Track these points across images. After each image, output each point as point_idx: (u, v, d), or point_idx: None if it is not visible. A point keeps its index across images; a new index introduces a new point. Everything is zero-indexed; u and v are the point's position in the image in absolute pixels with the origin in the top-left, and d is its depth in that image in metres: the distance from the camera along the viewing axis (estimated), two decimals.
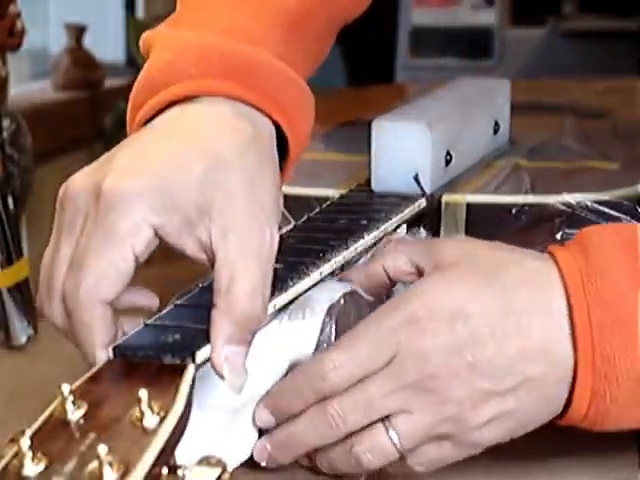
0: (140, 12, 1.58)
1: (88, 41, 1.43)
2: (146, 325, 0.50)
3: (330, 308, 0.56)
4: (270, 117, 0.58)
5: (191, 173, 0.53)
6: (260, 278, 0.51)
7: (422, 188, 0.70)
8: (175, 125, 0.58)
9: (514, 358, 0.55)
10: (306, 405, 0.54)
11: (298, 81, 0.61)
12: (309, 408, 0.54)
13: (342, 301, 0.57)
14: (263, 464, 0.56)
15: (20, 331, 0.94)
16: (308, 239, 0.61)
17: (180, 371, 0.45)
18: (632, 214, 0.72)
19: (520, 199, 0.71)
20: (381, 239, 0.65)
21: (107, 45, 1.56)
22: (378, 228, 0.64)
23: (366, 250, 0.63)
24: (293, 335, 0.54)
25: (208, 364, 0.48)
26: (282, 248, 0.53)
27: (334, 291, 0.57)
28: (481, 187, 0.74)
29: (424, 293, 0.55)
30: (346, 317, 0.57)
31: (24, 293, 0.94)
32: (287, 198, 0.74)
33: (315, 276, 0.57)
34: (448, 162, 0.74)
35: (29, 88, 1.42)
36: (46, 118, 1.25)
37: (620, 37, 2.42)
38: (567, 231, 0.71)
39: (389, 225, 0.66)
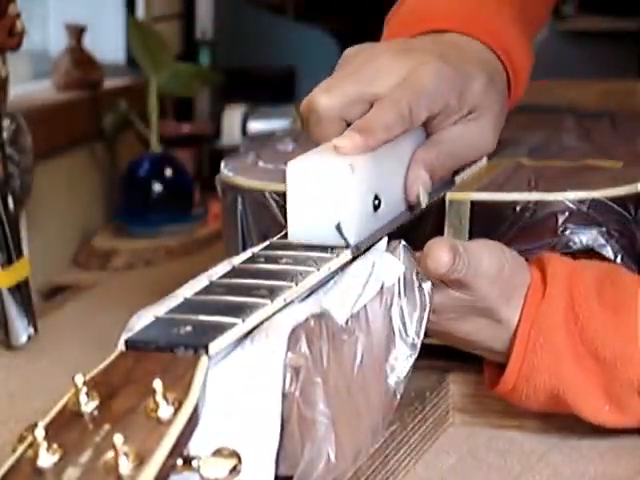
0: (140, 12, 1.57)
1: (88, 41, 1.43)
2: (157, 318, 0.50)
3: (296, 328, 0.51)
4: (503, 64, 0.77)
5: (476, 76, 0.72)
6: None
7: (346, 239, 0.60)
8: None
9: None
10: None
11: (525, 47, 0.79)
12: None
13: (311, 322, 0.52)
14: None
15: (20, 331, 0.94)
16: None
17: (193, 363, 0.45)
18: (634, 212, 0.72)
19: (524, 197, 0.71)
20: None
21: (107, 45, 1.56)
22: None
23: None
24: (257, 357, 0.51)
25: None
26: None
27: (299, 312, 0.53)
28: (485, 185, 0.74)
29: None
30: (316, 338, 0.53)
31: (24, 293, 0.94)
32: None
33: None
34: (377, 207, 0.64)
35: (29, 88, 1.42)
36: (46, 118, 1.25)
37: (620, 37, 2.42)
38: (570, 228, 0.71)
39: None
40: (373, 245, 0.62)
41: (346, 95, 0.67)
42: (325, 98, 0.67)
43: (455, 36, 0.76)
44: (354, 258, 0.60)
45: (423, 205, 0.68)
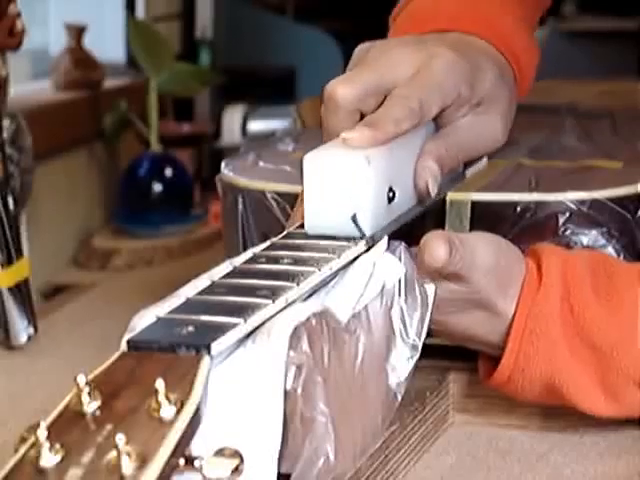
0: (140, 12, 1.57)
1: (88, 41, 1.43)
2: (159, 318, 0.50)
3: (297, 327, 0.51)
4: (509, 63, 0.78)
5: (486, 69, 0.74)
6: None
7: (361, 230, 0.61)
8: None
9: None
10: None
11: (530, 45, 0.81)
12: None
13: (313, 321, 0.52)
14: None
15: (20, 331, 0.94)
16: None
17: (195, 363, 0.45)
18: (635, 212, 0.72)
19: (525, 197, 0.71)
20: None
21: (107, 45, 1.56)
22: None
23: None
24: (259, 356, 0.51)
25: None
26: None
27: (301, 311, 0.53)
28: (485, 185, 0.74)
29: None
30: (318, 337, 0.53)
31: (24, 293, 0.94)
32: (288, 196, 0.74)
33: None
34: (391, 199, 0.65)
35: (29, 88, 1.42)
36: (46, 118, 1.25)
37: (620, 37, 2.42)
38: (571, 229, 0.71)
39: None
40: (380, 240, 0.62)
41: (363, 86, 0.68)
42: (343, 88, 0.67)
43: (460, 35, 0.76)
44: (358, 256, 0.60)
45: (432, 196, 0.69)
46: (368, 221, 0.62)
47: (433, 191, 0.68)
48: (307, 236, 0.62)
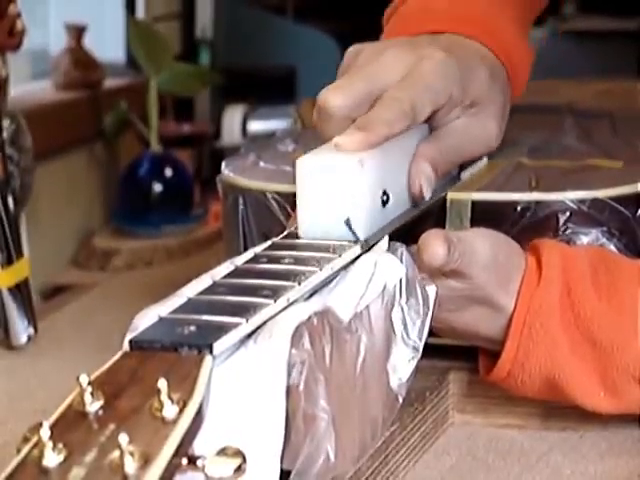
0: (140, 12, 1.57)
1: (88, 41, 1.43)
2: (161, 318, 0.50)
3: (299, 326, 0.51)
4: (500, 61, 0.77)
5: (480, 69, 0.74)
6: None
7: (355, 234, 0.61)
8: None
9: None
10: None
11: (523, 45, 0.81)
12: None
13: (314, 320, 0.52)
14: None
15: (20, 331, 0.94)
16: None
17: (198, 363, 0.45)
18: (635, 211, 0.72)
19: (525, 196, 0.71)
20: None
21: (107, 45, 1.56)
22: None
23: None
24: (261, 356, 0.51)
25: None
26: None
27: (303, 311, 0.53)
28: (485, 185, 0.74)
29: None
30: (319, 336, 0.53)
31: (24, 293, 0.94)
32: (289, 196, 0.74)
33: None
34: (385, 203, 0.65)
35: (29, 88, 1.42)
36: (46, 118, 1.25)
37: (620, 37, 2.42)
38: (571, 228, 0.71)
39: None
40: (380, 241, 0.62)
41: (355, 94, 0.67)
42: (335, 98, 0.67)
43: (453, 36, 0.76)
44: (359, 256, 0.60)
45: (426, 199, 0.69)
46: (362, 225, 0.61)
47: (427, 194, 0.68)
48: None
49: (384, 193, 0.65)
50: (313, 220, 0.62)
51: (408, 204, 0.69)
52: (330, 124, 0.67)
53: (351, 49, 0.75)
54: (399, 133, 0.66)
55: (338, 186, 0.61)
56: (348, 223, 0.61)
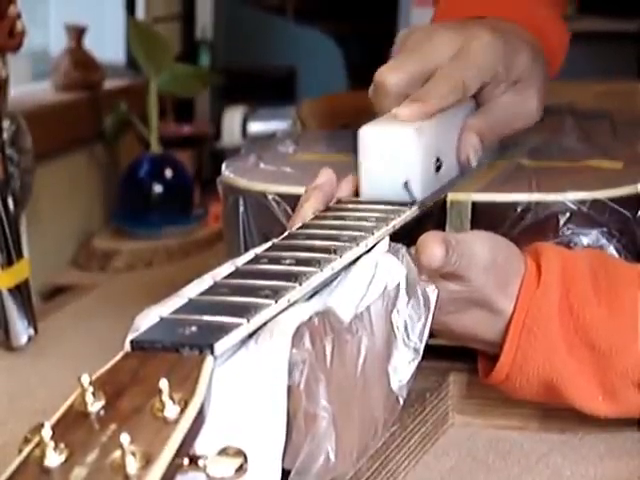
0: (140, 13, 1.57)
1: (88, 42, 1.43)
2: (162, 318, 0.50)
3: (300, 326, 0.52)
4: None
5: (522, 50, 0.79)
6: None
7: (412, 195, 0.68)
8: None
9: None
10: None
11: (559, 29, 0.87)
12: None
13: (315, 320, 0.53)
14: None
15: (20, 332, 0.94)
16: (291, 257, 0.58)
17: (199, 363, 0.45)
18: (635, 212, 0.72)
19: (525, 197, 0.71)
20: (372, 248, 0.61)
21: (107, 46, 1.56)
22: (366, 238, 0.60)
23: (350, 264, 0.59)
24: (262, 356, 0.51)
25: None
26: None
27: (304, 311, 0.53)
28: (486, 186, 0.74)
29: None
30: (320, 336, 0.53)
31: (24, 294, 0.94)
32: (289, 198, 0.74)
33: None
34: (438, 168, 0.72)
35: (29, 89, 1.42)
36: (46, 119, 1.25)
37: (620, 38, 2.42)
38: (571, 229, 0.71)
39: (380, 234, 0.62)
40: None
41: (410, 73, 0.74)
42: (392, 76, 0.74)
43: (499, 20, 0.81)
44: (359, 257, 0.60)
45: (473, 166, 0.76)
46: (419, 187, 0.68)
47: (474, 162, 0.76)
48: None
49: (437, 160, 0.72)
50: (373, 183, 0.69)
51: (457, 171, 0.76)
52: (386, 100, 0.74)
53: (402, 33, 0.80)
54: (450, 106, 0.73)
55: (397, 151, 0.68)
56: (407, 185, 0.68)
